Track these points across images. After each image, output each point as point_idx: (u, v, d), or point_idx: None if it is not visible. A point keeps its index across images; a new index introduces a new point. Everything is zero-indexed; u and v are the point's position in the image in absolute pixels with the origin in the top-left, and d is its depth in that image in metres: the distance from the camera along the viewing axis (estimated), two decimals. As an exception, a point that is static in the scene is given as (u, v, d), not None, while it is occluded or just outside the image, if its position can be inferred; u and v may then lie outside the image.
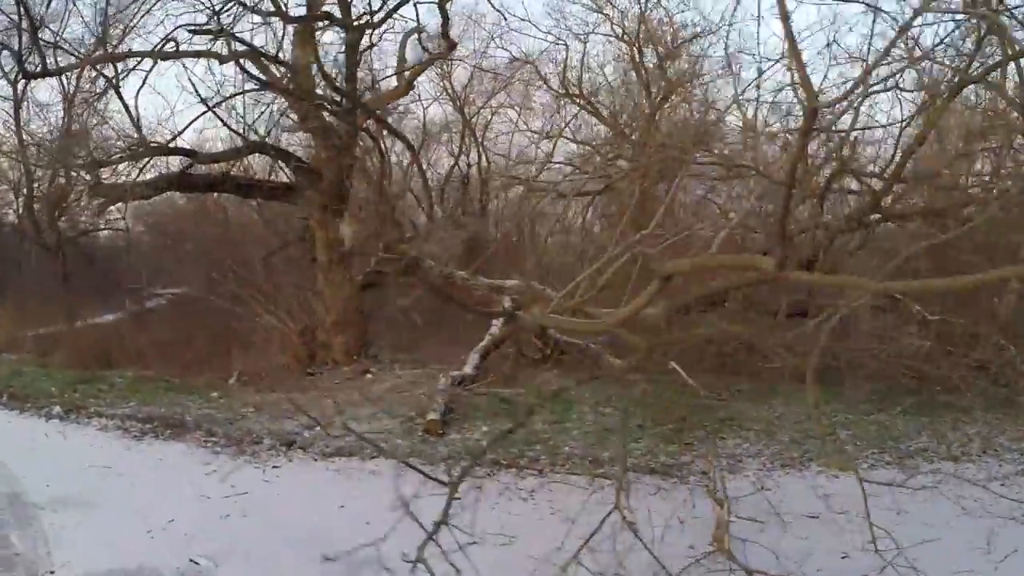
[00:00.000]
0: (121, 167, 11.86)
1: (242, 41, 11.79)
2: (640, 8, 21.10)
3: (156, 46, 11.46)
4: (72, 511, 6.66)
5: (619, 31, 21.78)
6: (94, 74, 11.26)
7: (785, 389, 11.32)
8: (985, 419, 9.85)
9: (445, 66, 23.56)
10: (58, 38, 12.72)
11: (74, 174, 14.18)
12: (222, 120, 12.81)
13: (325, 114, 13.54)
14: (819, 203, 13.46)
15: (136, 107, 11.85)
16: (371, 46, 13.83)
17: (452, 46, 12.89)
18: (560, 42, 22.13)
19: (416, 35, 14.13)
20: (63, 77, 13.38)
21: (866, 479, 4.94)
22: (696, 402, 10.32)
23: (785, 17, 3.96)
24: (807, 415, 10.06)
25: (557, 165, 24.27)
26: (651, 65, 22.19)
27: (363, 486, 7.47)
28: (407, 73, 14.67)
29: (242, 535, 6.25)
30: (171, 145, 11.71)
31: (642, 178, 19.88)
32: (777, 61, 7.65)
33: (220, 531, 6.32)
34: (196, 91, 11.69)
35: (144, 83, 11.83)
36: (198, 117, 12.15)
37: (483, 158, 25.96)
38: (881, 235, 12.18)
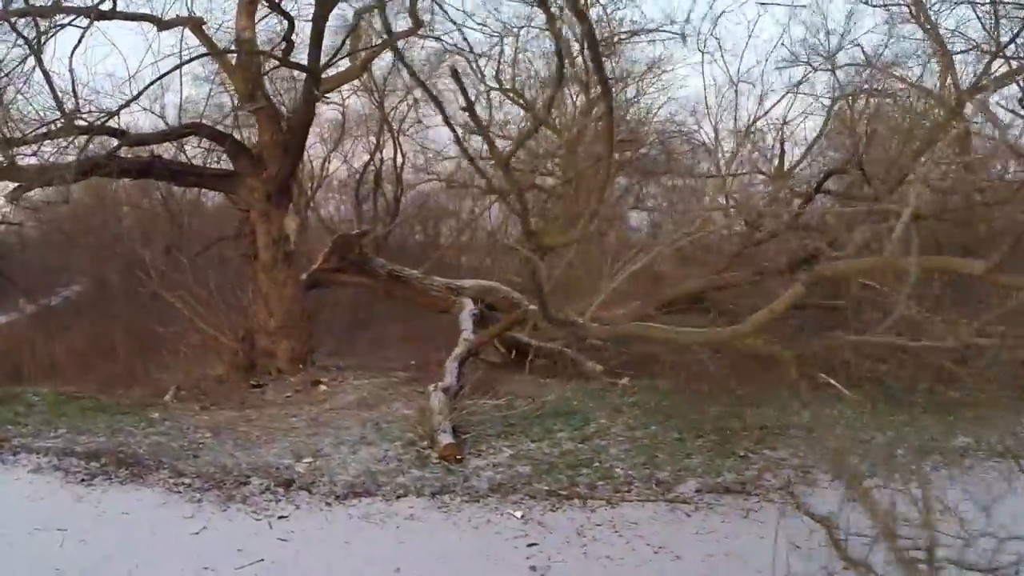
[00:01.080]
0: (48, 147, 9.50)
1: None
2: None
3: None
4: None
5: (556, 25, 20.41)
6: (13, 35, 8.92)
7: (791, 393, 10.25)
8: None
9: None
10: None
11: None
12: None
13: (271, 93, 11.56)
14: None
15: (72, 77, 9.47)
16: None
17: (418, 25, 11.10)
18: (495, 34, 20.58)
19: (373, 11, 12.22)
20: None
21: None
22: (722, 411, 9.13)
23: None
24: (840, 420, 8.99)
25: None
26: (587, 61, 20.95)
27: (408, 537, 5.69)
28: (363, 53, 12.80)
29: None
30: (98, 123, 9.47)
31: (574, 177, 18.60)
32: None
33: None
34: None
35: (77, 46, 9.50)
36: (135, 97, 9.77)
37: (398, 153, 24.12)
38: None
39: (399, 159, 24.05)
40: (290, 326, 12.21)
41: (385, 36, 12.19)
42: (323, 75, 11.47)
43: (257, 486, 6.54)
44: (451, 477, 6.91)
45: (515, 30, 19.65)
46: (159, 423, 8.85)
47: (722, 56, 16.33)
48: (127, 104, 9.45)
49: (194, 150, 12.99)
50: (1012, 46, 11.32)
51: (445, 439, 7.58)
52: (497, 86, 21.22)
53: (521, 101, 21.11)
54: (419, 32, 11.11)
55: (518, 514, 6.19)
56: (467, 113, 7.95)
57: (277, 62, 11.19)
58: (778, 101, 16.98)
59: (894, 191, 10.59)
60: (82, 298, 15.50)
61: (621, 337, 9.71)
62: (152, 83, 9.59)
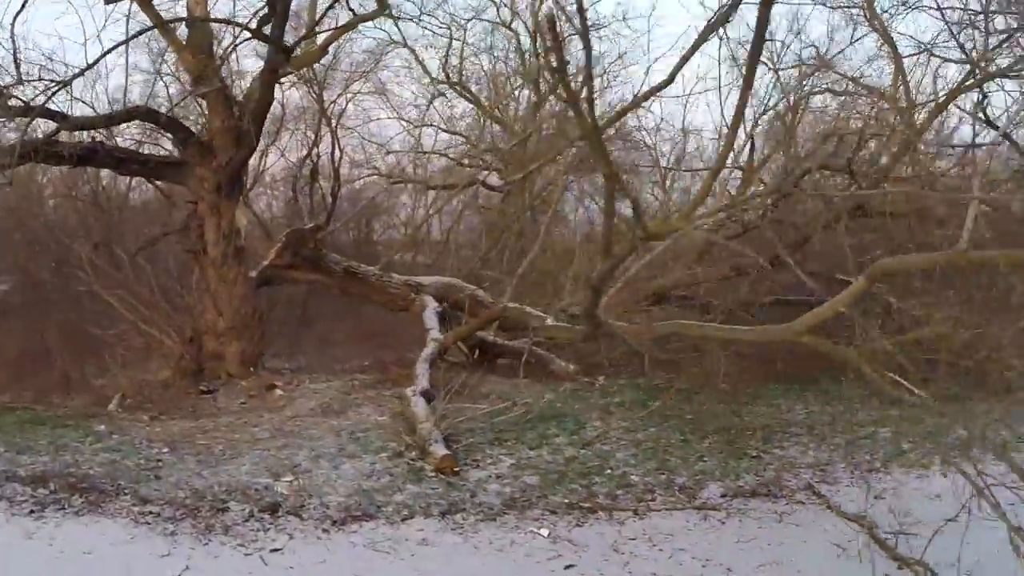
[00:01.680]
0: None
1: None
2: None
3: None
4: None
5: (506, 17, 19.67)
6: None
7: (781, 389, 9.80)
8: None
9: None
10: None
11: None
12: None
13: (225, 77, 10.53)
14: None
15: (15, 45, 8.19)
16: None
17: (383, 8, 10.24)
18: (443, 26, 19.67)
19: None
20: None
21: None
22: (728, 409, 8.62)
23: None
24: (843, 413, 8.57)
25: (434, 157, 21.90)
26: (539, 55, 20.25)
27: (426, 566, 4.86)
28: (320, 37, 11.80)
29: None
30: (34, 104, 8.30)
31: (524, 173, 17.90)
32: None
33: None
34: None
35: (18, 15, 8.29)
36: (81, 72, 8.58)
37: (336, 147, 23.00)
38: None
39: (336, 154, 22.98)
40: (240, 327, 11.18)
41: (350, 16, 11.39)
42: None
43: (238, 512, 5.61)
44: (455, 493, 6.12)
45: (465, 23, 19.05)
46: (107, 437, 7.79)
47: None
48: (70, 81, 8.29)
49: (132, 139, 11.80)
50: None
51: (439, 450, 6.78)
52: (445, 80, 20.47)
53: (468, 95, 20.37)
54: (384, 14, 10.19)
55: (544, 532, 5.47)
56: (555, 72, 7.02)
57: (233, 39, 10.16)
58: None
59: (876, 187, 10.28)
60: (10, 296, 14.08)
61: (660, 337, 9.02)
62: (100, 58, 8.41)
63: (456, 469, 6.60)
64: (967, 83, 10.12)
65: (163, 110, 10.98)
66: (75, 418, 8.35)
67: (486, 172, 19.31)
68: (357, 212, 19.75)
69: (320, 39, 11.70)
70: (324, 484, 6.30)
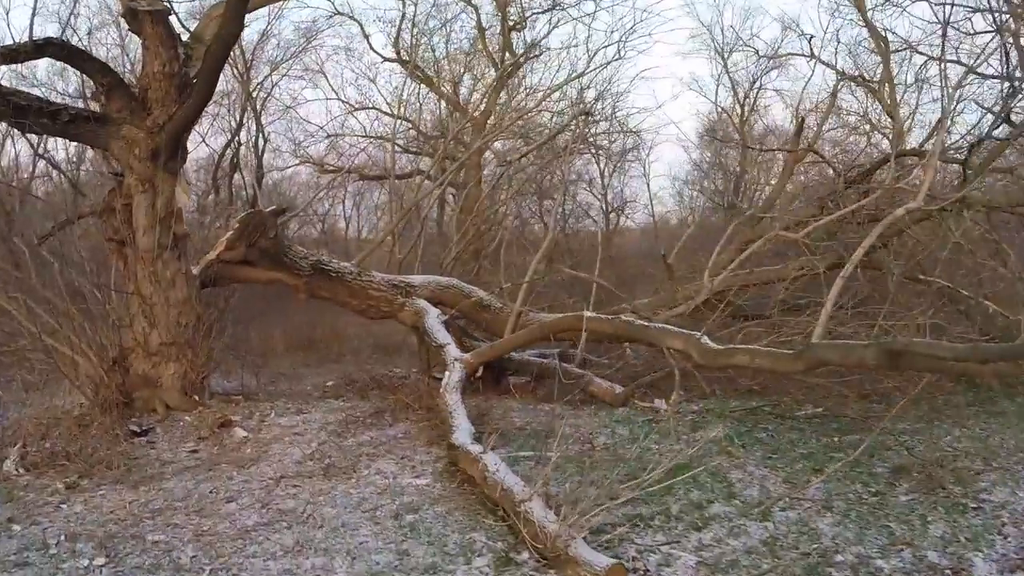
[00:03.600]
0: None
1: None
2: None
3: None
4: None
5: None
6: None
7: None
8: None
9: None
10: None
11: None
12: None
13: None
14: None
15: None
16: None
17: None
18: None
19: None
20: None
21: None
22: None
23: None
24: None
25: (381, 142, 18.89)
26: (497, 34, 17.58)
27: None
28: None
29: None
30: None
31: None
32: None
33: None
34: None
35: None
36: None
37: (261, 133, 19.78)
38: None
39: (260, 141, 19.76)
40: (181, 342, 8.15)
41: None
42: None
43: None
44: None
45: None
46: (2, 528, 4.81)
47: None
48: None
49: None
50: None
51: (594, 557, 4.07)
52: (395, 57, 17.62)
53: (419, 74, 17.53)
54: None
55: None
56: None
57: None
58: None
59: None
60: None
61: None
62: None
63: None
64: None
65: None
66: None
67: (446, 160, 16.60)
68: (310, 201, 16.54)
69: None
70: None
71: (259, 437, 7.35)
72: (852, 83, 14.65)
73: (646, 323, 7.33)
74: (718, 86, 22.11)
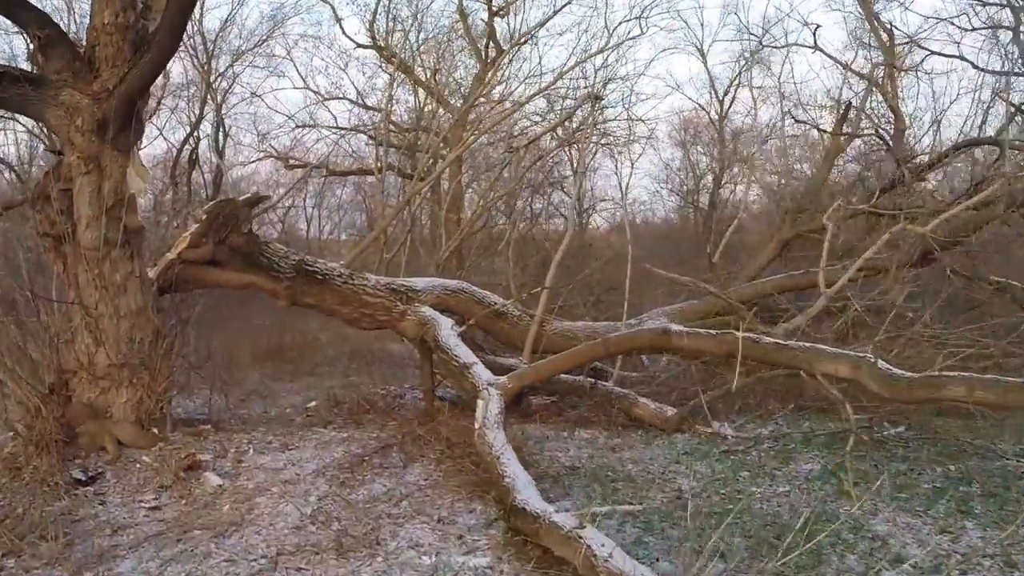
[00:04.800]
0: None
1: None
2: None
3: None
4: None
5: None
6: None
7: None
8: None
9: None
10: None
11: None
12: None
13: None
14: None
15: None
16: None
17: None
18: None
19: None
20: None
21: None
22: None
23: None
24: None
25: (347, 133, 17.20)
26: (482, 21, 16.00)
27: None
28: None
29: None
30: None
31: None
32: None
33: None
34: None
35: None
36: None
37: (221, 127, 17.95)
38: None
39: (220, 136, 17.92)
40: (134, 363, 6.42)
41: None
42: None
43: None
44: None
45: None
46: None
47: None
48: None
49: None
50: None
51: None
52: (371, 43, 15.97)
53: (394, 59, 15.84)
54: None
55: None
56: None
57: None
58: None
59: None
60: None
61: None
62: None
63: None
64: None
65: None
66: None
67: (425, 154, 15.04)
68: (287, 192, 14.80)
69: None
70: None
71: (238, 485, 5.68)
72: (855, 76, 13.57)
73: (783, 342, 5.67)
74: (712, 81, 20.65)
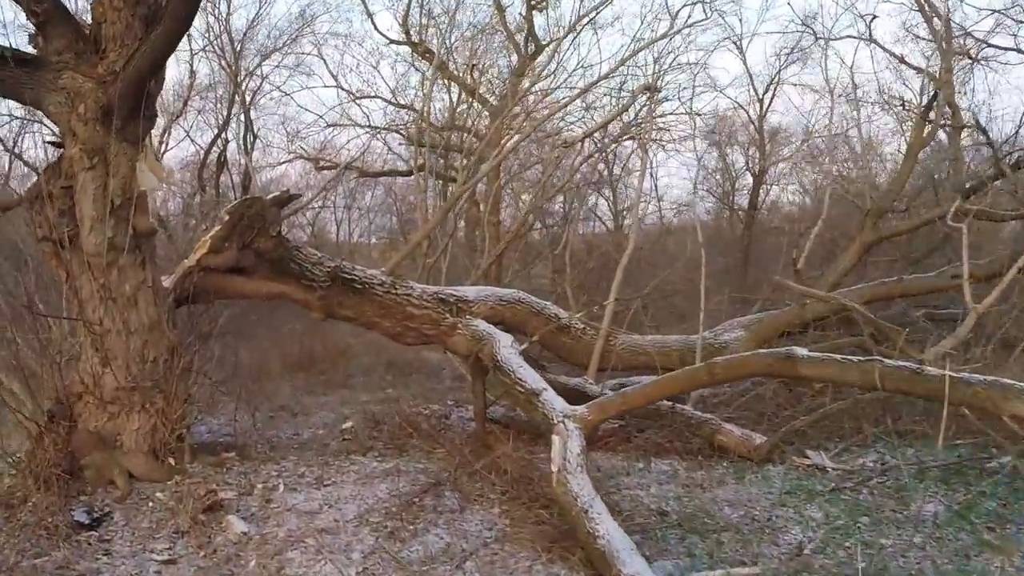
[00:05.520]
0: None
1: None
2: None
3: None
4: None
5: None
6: None
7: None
8: None
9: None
10: None
11: None
12: None
13: None
14: None
15: None
16: None
17: None
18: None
19: None
20: None
21: None
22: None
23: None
24: None
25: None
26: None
27: None
28: None
29: None
30: None
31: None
32: None
33: None
34: None
35: None
36: None
37: (250, 129, 17.11)
38: None
39: (249, 137, 17.11)
40: (147, 385, 5.54)
41: None
42: None
43: None
44: None
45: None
46: None
47: None
48: None
49: None
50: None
51: None
52: (405, 39, 15.09)
53: (428, 55, 14.93)
54: None
55: None
56: None
57: None
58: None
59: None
60: None
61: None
62: None
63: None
64: None
65: None
66: None
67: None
68: (319, 193, 13.96)
69: None
70: None
71: (266, 534, 4.78)
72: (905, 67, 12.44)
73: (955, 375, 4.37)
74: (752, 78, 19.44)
